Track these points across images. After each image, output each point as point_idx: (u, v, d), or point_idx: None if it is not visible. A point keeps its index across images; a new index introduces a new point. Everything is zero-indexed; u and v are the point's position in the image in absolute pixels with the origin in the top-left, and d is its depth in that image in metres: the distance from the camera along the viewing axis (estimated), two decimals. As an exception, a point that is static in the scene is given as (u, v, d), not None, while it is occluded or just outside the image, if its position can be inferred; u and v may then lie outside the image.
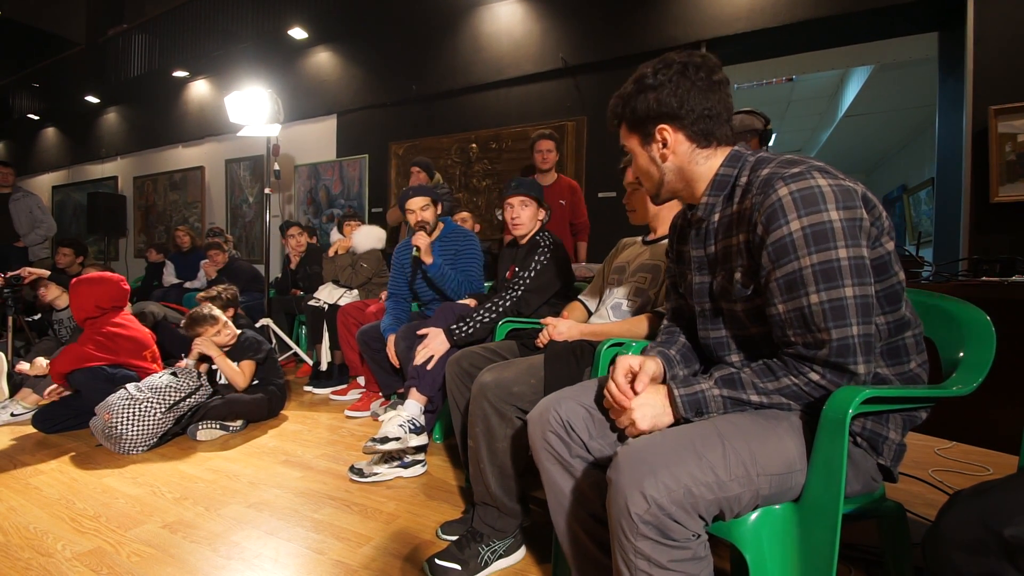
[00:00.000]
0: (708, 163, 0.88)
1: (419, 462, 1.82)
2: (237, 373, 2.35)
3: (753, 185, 0.81)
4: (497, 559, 1.23)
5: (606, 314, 1.50)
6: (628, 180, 1.50)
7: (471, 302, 2.06)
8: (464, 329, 1.80)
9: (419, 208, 2.32)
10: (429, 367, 1.78)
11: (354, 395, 2.88)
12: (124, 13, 7.36)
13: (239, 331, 2.48)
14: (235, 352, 2.42)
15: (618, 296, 1.49)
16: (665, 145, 0.88)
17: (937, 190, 3.45)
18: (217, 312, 2.41)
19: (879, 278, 0.78)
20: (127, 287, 2.45)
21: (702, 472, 0.69)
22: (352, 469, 1.80)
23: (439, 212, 2.39)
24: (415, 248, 2.20)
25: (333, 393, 2.98)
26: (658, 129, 0.88)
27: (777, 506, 0.75)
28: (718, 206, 0.89)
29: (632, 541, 0.68)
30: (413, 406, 1.78)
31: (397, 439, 1.68)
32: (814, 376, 0.74)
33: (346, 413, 2.58)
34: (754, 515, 0.74)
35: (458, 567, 1.18)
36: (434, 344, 1.79)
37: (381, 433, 1.69)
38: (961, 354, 0.85)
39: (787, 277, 0.75)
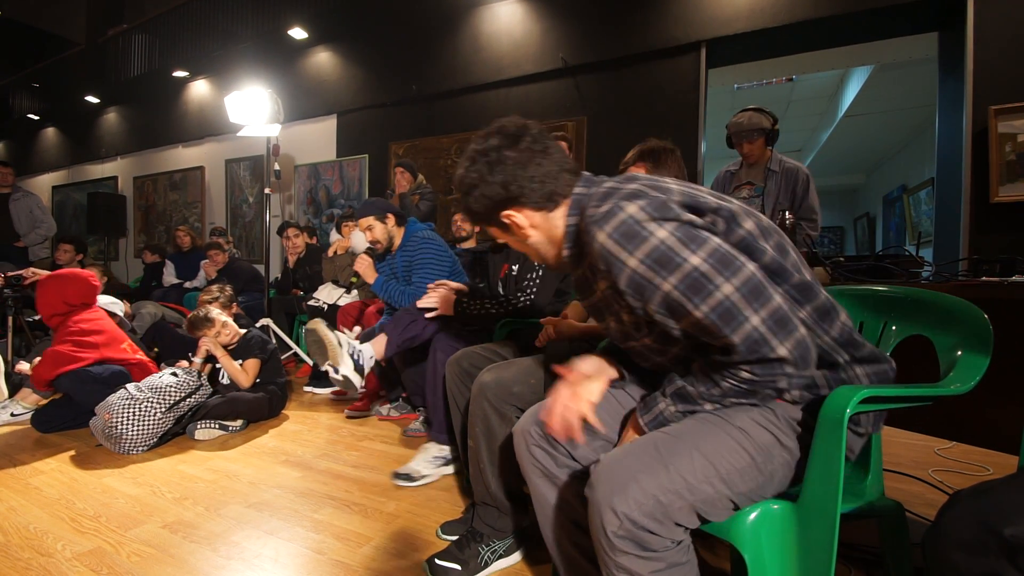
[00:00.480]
0: (561, 219, 0.86)
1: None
2: (241, 372, 2.36)
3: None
4: (497, 559, 1.23)
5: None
6: None
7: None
8: (472, 306, 1.78)
9: (365, 228, 2.30)
10: (429, 315, 1.81)
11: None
12: (124, 13, 7.37)
13: (243, 330, 2.48)
14: (240, 351, 2.42)
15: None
16: (520, 227, 0.87)
17: (937, 190, 3.45)
18: (215, 313, 2.41)
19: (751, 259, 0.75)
20: (97, 283, 2.43)
21: (670, 480, 0.69)
22: (398, 475, 1.77)
23: (393, 223, 2.34)
24: (354, 274, 2.30)
25: (334, 393, 2.97)
26: (504, 216, 0.87)
27: (775, 505, 0.75)
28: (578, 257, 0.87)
29: (613, 557, 0.69)
30: (436, 448, 1.82)
31: (427, 475, 1.75)
32: (745, 375, 0.72)
33: (346, 413, 2.57)
34: (752, 515, 0.74)
35: (458, 567, 1.18)
36: (441, 304, 1.80)
37: (409, 470, 1.74)
38: (959, 353, 0.85)
39: (662, 304, 0.74)
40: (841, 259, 1.45)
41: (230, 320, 2.45)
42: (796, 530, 0.74)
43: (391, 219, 2.33)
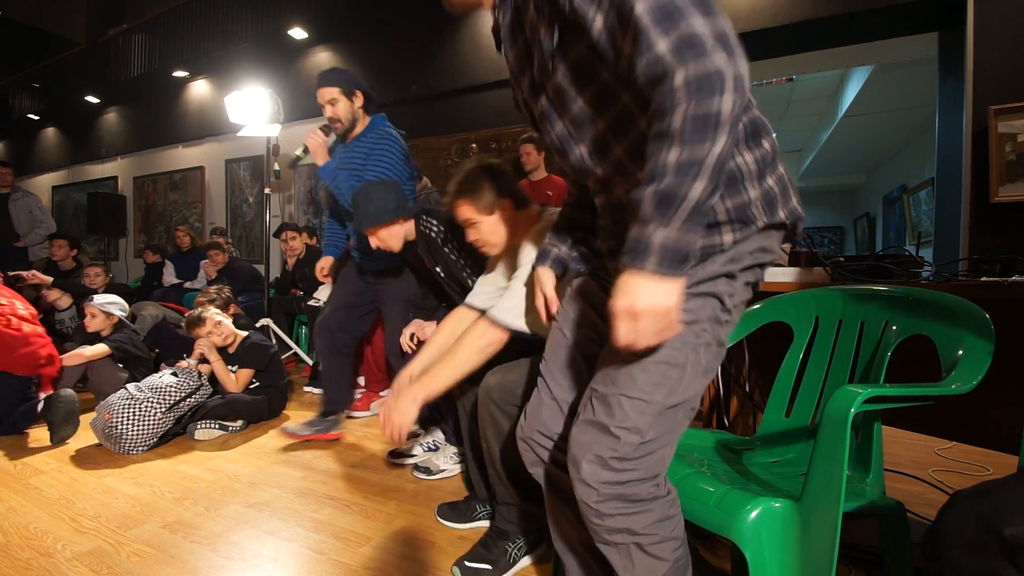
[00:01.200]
0: None
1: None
2: (230, 379, 2.34)
3: None
4: (524, 555, 1.24)
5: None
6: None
7: None
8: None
9: (327, 102, 1.93)
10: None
11: (354, 395, 2.88)
12: (124, 13, 7.37)
13: (245, 334, 2.47)
14: (237, 357, 2.41)
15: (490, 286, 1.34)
16: None
17: (937, 190, 3.45)
18: (209, 313, 2.39)
19: None
20: None
21: (618, 436, 0.70)
22: (417, 468, 1.82)
23: (360, 105, 1.98)
24: (302, 147, 1.98)
25: None
26: None
27: (777, 503, 0.75)
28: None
29: (604, 523, 0.72)
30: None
31: (445, 470, 1.78)
32: (680, 99, 0.58)
33: (347, 413, 2.57)
34: (754, 513, 0.74)
35: (488, 567, 1.19)
36: (422, 332, 1.77)
37: (429, 464, 1.79)
38: (960, 352, 0.85)
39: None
40: (841, 259, 1.45)
41: (226, 321, 2.44)
42: (798, 529, 0.74)
43: (359, 98, 1.96)
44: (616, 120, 0.75)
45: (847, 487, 0.71)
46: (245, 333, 2.48)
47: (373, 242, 1.75)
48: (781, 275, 1.45)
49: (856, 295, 1.06)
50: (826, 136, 6.60)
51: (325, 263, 2.27)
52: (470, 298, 1.36)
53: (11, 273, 3.12)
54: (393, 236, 1.75)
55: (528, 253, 1.20)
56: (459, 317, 1.35)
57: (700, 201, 0.60)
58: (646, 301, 0.62)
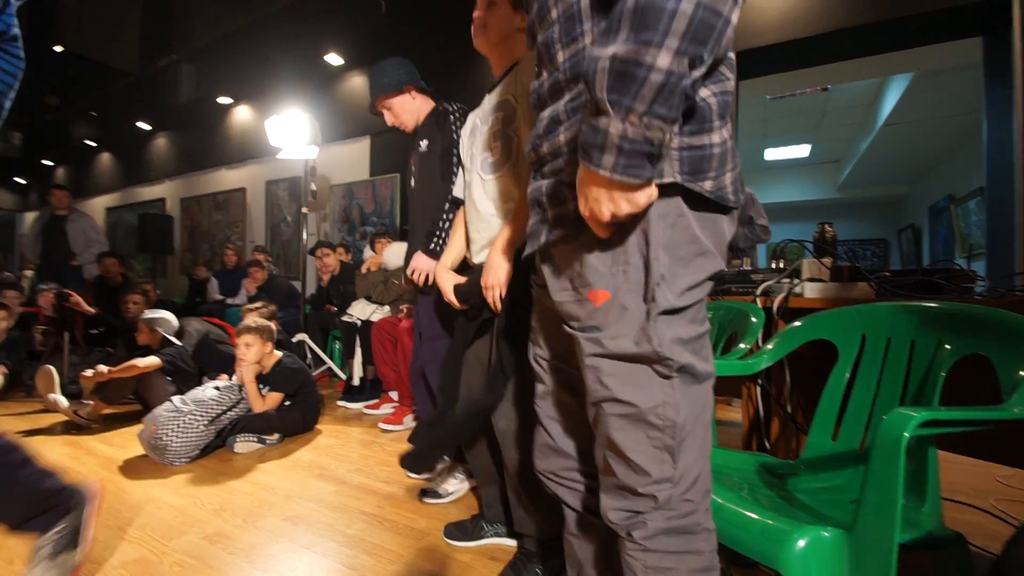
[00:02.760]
0: None
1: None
2: (259, 400, 2.38)
3: None
4: None
5: (478, 181, 1.29)
6: None
7: None
8: (437, 242, 1.63)
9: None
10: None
11: (387, 409, 2.92)
12: (173, 45, 7.84)
13: (279, 355, 2.52)
14: (270, 378, 2.46)
15: (478, 153, 1.30)
16: None
17: (988, 200, 3.28)
18: (258, 324, 2.45)
19: None
20: None
21: (651, 500, 0.68)
22: (424, 492, 1.77)
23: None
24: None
25: (366, 407, 3.02)
26: None
27: (827, 532, 0.72)
28: None
29: (644, 558, 0.68)
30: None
31: (453, 492, 1.77)
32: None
33: (381, 426, 2.61)
34: (802, 542, 0.71)
35: None
36: (421, 266, 1.59)
37: (437, 488, 1.76)
38: (1022, 373, 0.80)
39: None
40: (887, 273, 1.39)
41: (269, 335, 2.47)
42: (849, 560, 0.70)
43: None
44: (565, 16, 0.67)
45: (902, 516, 0.68)
46: (280, 355, 2.53)
47: (388, 118, 1.83)
48: (822, 290, 1.41)
49: (905, 311, 1.02)
50: (865, 146, 6.39)
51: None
52: (456, 191, 1.45)
53: (64, 291, 3.32)
54: (406, 110, 1.84)
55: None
56: (460, 214, 1.42)
57: (673, 75, 0.47)
58: (607, 212, 0.57)
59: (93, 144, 8.73)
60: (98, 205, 8.75)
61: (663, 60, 0.47)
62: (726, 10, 0.48)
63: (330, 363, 3.69)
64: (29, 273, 5.76)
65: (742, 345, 1.27)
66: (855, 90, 5.39)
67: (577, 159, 0.59)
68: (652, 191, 0.57)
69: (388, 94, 1.81)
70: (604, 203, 0.57)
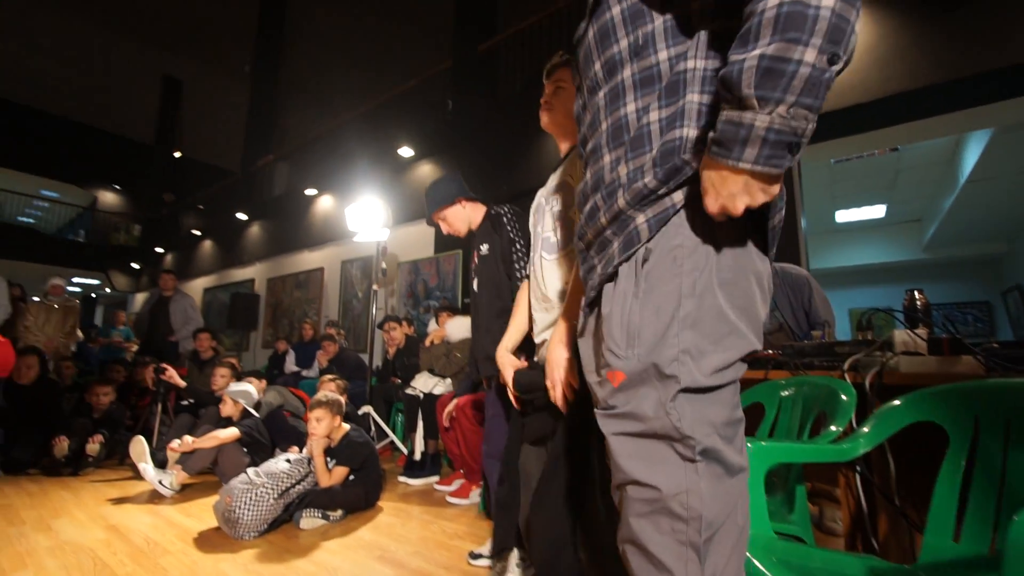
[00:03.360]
0: None
1: None
2: (325, 476, 2.41)
3: None
4: None
5: (540, 260, 1.32)
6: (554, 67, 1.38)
7: None
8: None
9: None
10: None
11: (456, 483, 2.87)
12: (271, 146, 9.03)
13: (347, 428, 2.58)
14: (337, 451, 2.50)
15: (542, 233, 1.34)
16: None
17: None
18: (328, 399, 2.54)
19: None
20: None
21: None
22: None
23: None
24: None
25: (439, 484, 2.98)
26: None
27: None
28: None
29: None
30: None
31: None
32: None
33: (448, 499, 2.58)
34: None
35: None
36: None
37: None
38: None
39: None
40: (995, 344, 1.24)
41: (335, 419, 2.54)
42: None
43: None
44: (612, 92, 0.74)
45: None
46: (347, 428, 2.58)
47: (444, 228, 1.95)
48: (921, 365, 1.27)
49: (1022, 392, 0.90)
50: (949, 204, 5.98)
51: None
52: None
53: (161, 364, 3.65)
54: (459, 219, 1.94)
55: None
56: (524, 289, 1.44)
57: (817, 68, 0.51)
58: (742, 204, 0.58)
59: (198, 233, 9.94)
60: (198, 286, 9.78)
61: (810, 55, 0.51)
62: (852, 17, 0.53)
63: (392, 436, 3.72)
64: (133, 348, 6.43)
65: (833, 427, 1.16)
66: (929, 148, 5.15)
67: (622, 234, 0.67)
68: (779, 184, 0.59)
69: (441, 208, 1.98)
70: (739, 196, 0.57)
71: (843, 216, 7.18)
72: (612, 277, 0.70)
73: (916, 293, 1.57)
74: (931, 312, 1.56)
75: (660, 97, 0.68)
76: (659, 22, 0.69)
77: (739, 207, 0.58)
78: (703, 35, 0.66)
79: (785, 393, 1.48)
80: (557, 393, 1.06)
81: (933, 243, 7.30)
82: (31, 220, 12.51)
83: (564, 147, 1.44)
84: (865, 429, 1.08)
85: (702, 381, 0.63)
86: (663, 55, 0.68)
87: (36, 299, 5.13)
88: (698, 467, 0.61)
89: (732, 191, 0.57)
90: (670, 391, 0.62)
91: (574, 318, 1.08)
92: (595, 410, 0.72)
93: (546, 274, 1.30)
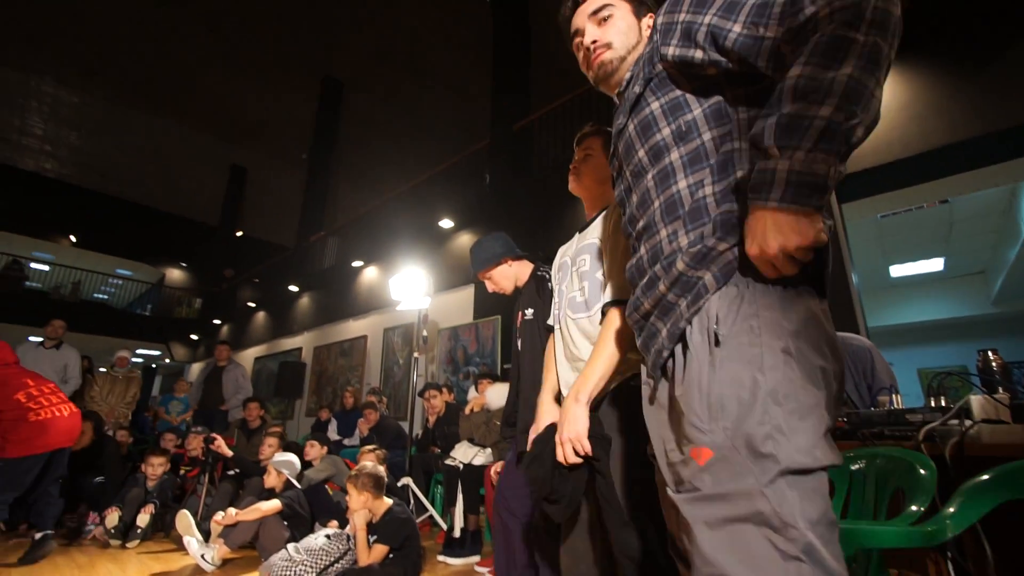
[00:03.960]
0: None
1: None
2: (365, 553, 2.32)
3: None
4: None
5: (565, 321, 1.33)
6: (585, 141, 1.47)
7: None
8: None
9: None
10: None
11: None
12: (323, 223, 9.67)
13: (389, 503, 2.51)
14: (379, 528, 2.42)
15: (566, 292, 1.36)
16: (648, 30, 0.94)
17: None
18: (370, 471, 2.50)
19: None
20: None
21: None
22: None
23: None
24: None
25: (479, 565, 2.81)
26: (650, 14, 0.95)
27: None
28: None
29: None
30: None
31: None
32: (820, 16, 0.60)
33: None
34: None
35: None
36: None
37: None
38: None
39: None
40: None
41: (376, 493, 2.49)
42: None
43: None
44: (661, 174, 0.79)
45: None
46: (389, 503, 2.51)
47: (489, 286, 1.96)
48: (1006, 434, 1.16)
49: None
50: (1014, 253, 5.62)
51: None
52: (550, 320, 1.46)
53: (211, 434, 3.74)
54: (505, 277, 1.94)
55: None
56: (551, 346, 1.41)
57: (833, 122, 0.56)
58: (775, 243, 0.59)
59: (253, 305, 10.51)
60: (249, 355, 10.19)
61: (825, 111, 0.57)
62: (871, 83, 0.57)
63: (432, 511, 3.60)
64: (186, 417, 6.65)
65: (914, 507, 1.05)
66: (982, 198, 4.95)
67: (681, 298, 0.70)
68: (820, 226, 0.60)
69: (487, 267, 2.02)
70: (771, 235, 0.59)
71: (898, 270, 6.86)
72: (682, 338, 0.70)
73: (990, 353, 1.45)
74: (1011, 374, 1.44)
75: (712, 172, 0.73)
76: (698, 111, 0.76)
77: (773, 246, 0.60)
78: (743, 120, 0.73)
79: (855, 467, 1.36)
80: (566, 450, 1.03)
81: (1002, 296, 6.80)
82: (105, 296, 13.65)
83: (590, 210, 1.49)
84: (951, 509, 0.97)
85: (801, 461, 0.58)
86: (707, 136, 0.75)
87: (103, 370, 5.49)
88: (802, 570, 0.54)
89: (765, 230, 0.60)
90: (768, 472, 0.57)
91: (602, 379, 1.08)
92: (672, 493, 0.66)
93: (574, 334, 1.29)
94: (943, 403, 1.38)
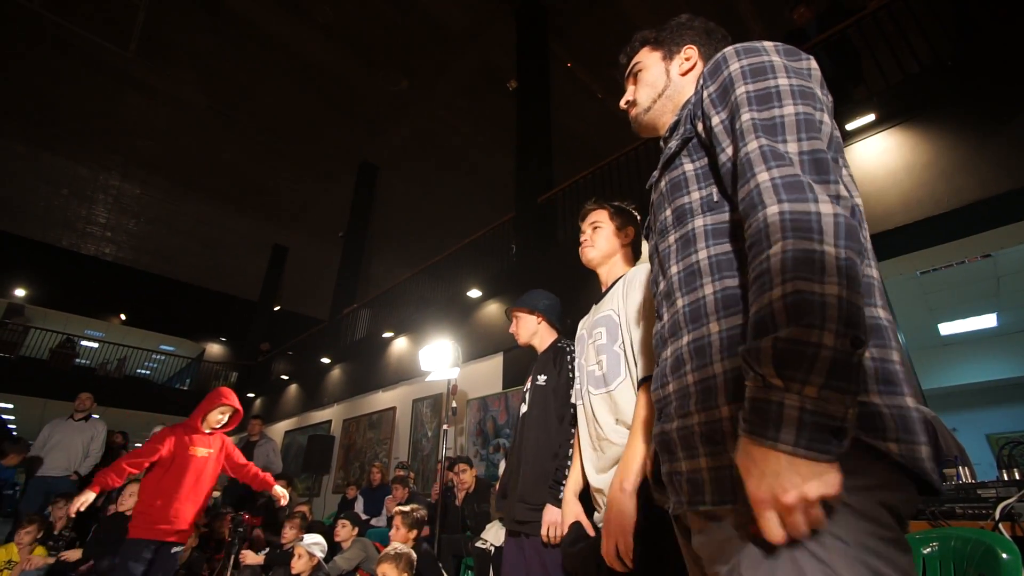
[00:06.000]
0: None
1: None
2: None
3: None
4: None
5: (587, 398, 1.30)
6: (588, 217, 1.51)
7: None
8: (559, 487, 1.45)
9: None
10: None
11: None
12: (356, 296, 9.98)
13: None
14: None
15: (585, 365, 1.34)
16: (687, 62, 0.92)
17: None
18: (398, 552, 2.40)
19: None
20: None
21: None
22: None
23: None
24: None
25: None
26: (687, 47, 0.93)
27: None
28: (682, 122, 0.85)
29: None
30: None
31: None
32: (775, 239, 0.55)
33: None
34: None
35: None
36: (554, 519, 1.41)
37: None
38: None
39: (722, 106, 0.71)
40: None
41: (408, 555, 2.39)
42: None
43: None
44: (683, 239, 0.76)
45: None
46: None
47: (512, 324, 1.98)
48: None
49: None
50: (1075, 308, 5.30)
51: None
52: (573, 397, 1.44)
53: (239, 514, 3.67)
54: (527, 328, 1.95)
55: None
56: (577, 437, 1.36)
57: (841, 352, 0.48)
58: (793, 492, 0.47)
59: (286, 378, 10.67)
60: (280, 428, 10.20)
61: (828, 339, 0.48)
62: (863, 303, 0.52)
63: (463, 598, 3.37)
64: (216, 494, 6.58)
65: (999, 598, 0.94)
66: (1029, 251, 4.76)
67: (707, 406, 0.62)
68: (838, 475, 0.49)
69: (522, 309, 2.03)
70: (786, 479, 0.48)
71: (948, 328, 6.52)
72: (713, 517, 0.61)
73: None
74: None
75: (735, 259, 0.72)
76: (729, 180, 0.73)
77: (789, 495, 0.48)
78: None
79: (926, 550, 1.23)
80: (609, 547, 0.94)
81: (1069, 354, 6.33)
82: (148, 372, 14.13)
83: (605, 282, 1.50)
84: (1047, 602, 0.87)
85: None
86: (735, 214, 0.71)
87: (138, 446, 5.55)
88: None
89: (776, 471, 0.49)
90: None
91: (639, 462, 0.98)
92: None
93: (596, 410, 1.25)
94: (1016, 475, 1.27)
